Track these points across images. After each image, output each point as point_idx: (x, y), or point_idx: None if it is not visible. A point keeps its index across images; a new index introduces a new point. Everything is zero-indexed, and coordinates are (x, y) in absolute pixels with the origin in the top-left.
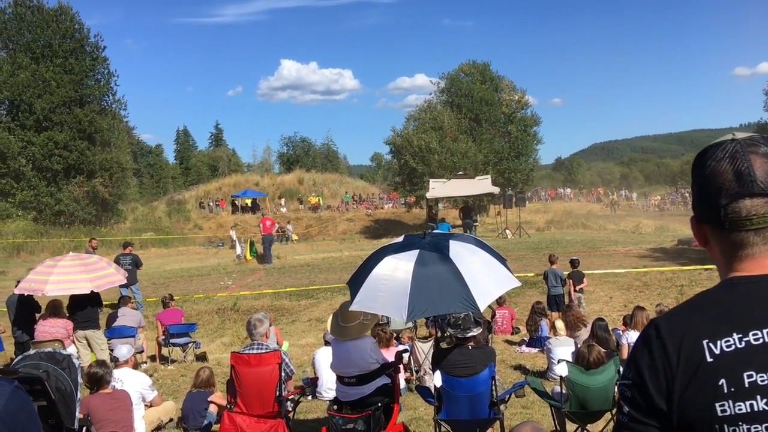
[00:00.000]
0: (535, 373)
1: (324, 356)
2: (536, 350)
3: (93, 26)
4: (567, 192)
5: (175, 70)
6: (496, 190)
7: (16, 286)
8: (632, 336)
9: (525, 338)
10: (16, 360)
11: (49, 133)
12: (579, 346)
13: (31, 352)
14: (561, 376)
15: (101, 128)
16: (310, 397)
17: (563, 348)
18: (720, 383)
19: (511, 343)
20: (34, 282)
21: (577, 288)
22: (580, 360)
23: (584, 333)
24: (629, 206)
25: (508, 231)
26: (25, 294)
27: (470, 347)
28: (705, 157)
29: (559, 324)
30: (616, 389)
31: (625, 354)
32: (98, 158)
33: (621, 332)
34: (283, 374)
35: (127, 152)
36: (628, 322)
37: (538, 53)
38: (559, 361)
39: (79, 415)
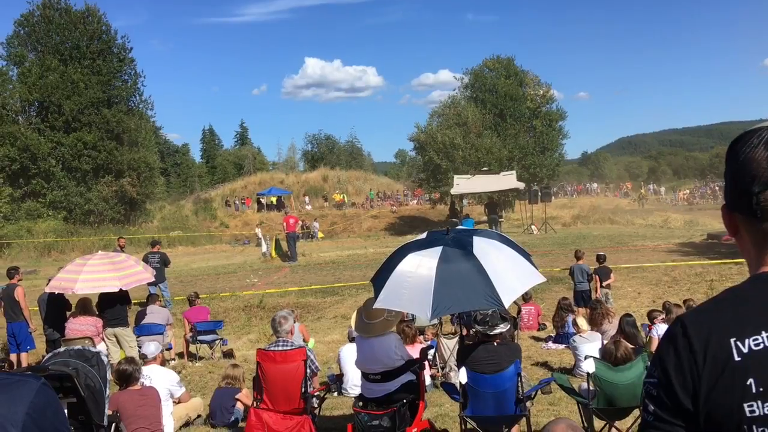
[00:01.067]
0: (561, 369)
1: (349, 353)
2: (563, 346)
3: (120, 28)
4: (593, 187)
5: (200, 70)
6: (521, 185)
7: (47, 284)
8: (663, 329)
9: (551, 334)
10: (46, 357)
11: (78, 134)
12: (606, 342)
13: (61, 349)
14: (588, 373)
15: (129, 128)
16: (335, 394)
17: (590, 344)
18: (748, 383)
19: (537, 339)
20: (64, 280)
21: (605, 284)
22: (607, 356)
23: (611, 329)
24: (657, 200)
25: (533, 226)
26: (56, 292)
27: (495, 344)
28: (740, 143)
29: (581, 321)
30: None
31: (654, 348)
32: (126, 158)
33: (648, 328)
34: (308, 371)
35: (154, 152)
36: (657, 317)
37: (564, 47)
38: (585, 358)
39: (108, 411)
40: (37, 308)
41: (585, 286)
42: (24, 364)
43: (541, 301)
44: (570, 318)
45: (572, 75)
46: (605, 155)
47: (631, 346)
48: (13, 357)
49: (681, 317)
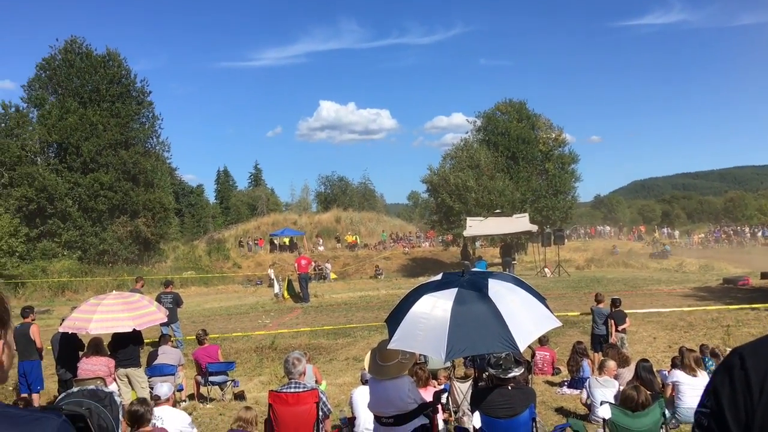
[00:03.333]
0: (577, 415)
1: (361, 395)
2: (578, 392)
3: (140, 71)
4: (606, 230)
5: (217, 113)
6: (533, 228)
7: (60, 324)
8: (678, 376)
9: (566, 379)
10: (59, 397)
11: (95, 175)
12: (623, 387)
13: (74, 389)
14: (604, 419)
15: (145, 169)
16: None
17: (606, 389)
18: None
19: (552, 384)
20: (79, 320)
21: (620, 328)
22: (628, 402)
23: (628, 374)
24: (672, 244)
25: (546, 269)
26: (69, 332)
27: (510, 387)
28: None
29: (611, 363)
30: None
31: (668, 394)
32: (141, 198)
33: (666, 373)
34: (320, 413)
35: (169, 192)
36: (678, 363)
37: (577, 91)
38: (601, 403)
39: None
40: (50, 348)
41: (603, 330)
42: (36, 404)
43: (555, 345)
44: (585, 362)
45: (585, 119)
46: (618, 198)
47: (649, 392)
48: (24, 397)
49: (739, 349)
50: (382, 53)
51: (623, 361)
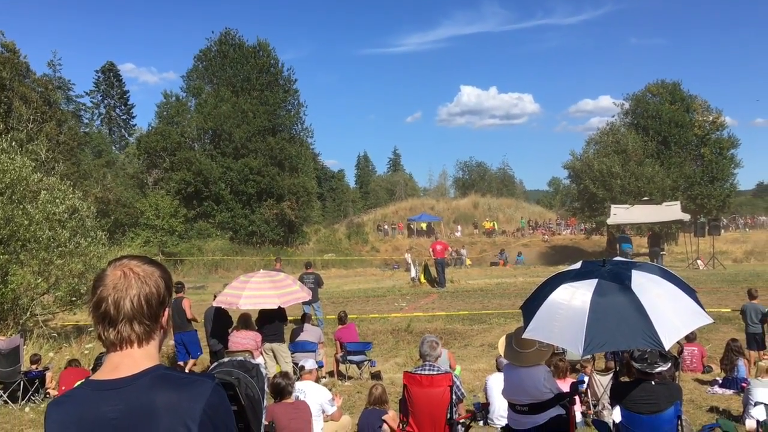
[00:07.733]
0: (730, 416)
1: (496, 382)
2: (731, 392)
3: (286, 61)
4: None
5: (358, 99)
6: (686, 217)
7: (213, 299)
8: None
9: (718, 378)
10: (212, 366)
11: (245, 160)
12: None
13: (225, 359)
14: (758, 420)
15: (290, 155)
16: (481, 423)
17: (765, 390)
18: None
19: (701, 382)
20: (230, 296)
21: None
22: None
23: None
24: None
25: (699, 261)
26: (222, 307)
27: (654, 383)
28: None
29: (764, 364)
30: None
31: None
32: (287, 183)
33: None
34: (453, 397)
35: (312, 177)
36: None
37: (739, 71)
38: (756, 404)
39: (264, 421)
40: (203, 321)
41: (758, 329)
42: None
43: (706, 341)
44: (741, 361)
45: (749, 100)
46: None
47: None
48: (180, 365)
49: None
50: (526, 35)
51: None
